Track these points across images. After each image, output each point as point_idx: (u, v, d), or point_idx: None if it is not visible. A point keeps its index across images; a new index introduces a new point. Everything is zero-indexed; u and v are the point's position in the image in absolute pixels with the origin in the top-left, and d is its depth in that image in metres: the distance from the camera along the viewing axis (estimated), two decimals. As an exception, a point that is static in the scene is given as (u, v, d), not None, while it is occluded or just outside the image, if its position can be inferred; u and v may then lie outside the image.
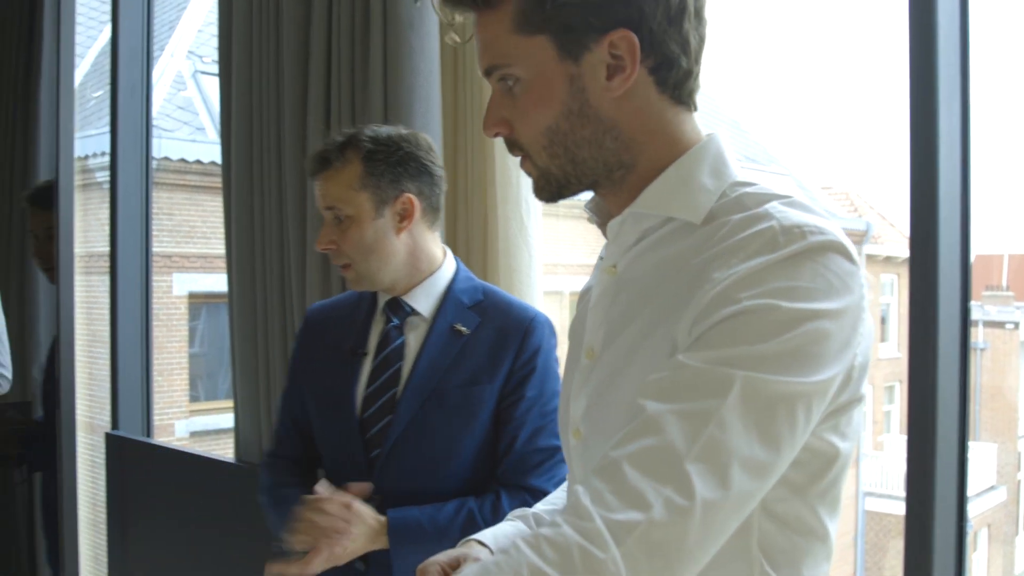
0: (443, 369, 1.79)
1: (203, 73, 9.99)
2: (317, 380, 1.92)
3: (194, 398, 9.60)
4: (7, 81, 4.00)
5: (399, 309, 1.85)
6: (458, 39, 1.27)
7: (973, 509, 11.42)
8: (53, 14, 3.74)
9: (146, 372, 3.41)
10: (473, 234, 2.28)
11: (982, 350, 13.02)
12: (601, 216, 1.20)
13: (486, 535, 1.34)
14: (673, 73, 1.08)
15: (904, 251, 14.20)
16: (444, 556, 1.28)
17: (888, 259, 14.92)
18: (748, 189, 1.08)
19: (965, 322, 1.94)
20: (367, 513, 1.69)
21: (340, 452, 1.85)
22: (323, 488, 1.70)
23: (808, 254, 0.98)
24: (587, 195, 1.19)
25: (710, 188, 1.09)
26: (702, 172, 1.10)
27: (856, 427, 1.08)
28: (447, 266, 1.87)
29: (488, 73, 1.10)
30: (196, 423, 9.35)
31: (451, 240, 2.31)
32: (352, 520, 1.66)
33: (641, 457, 0.91)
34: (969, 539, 10.94)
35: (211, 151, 8.86)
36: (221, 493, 2.82)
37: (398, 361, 1.82)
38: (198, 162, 9.12)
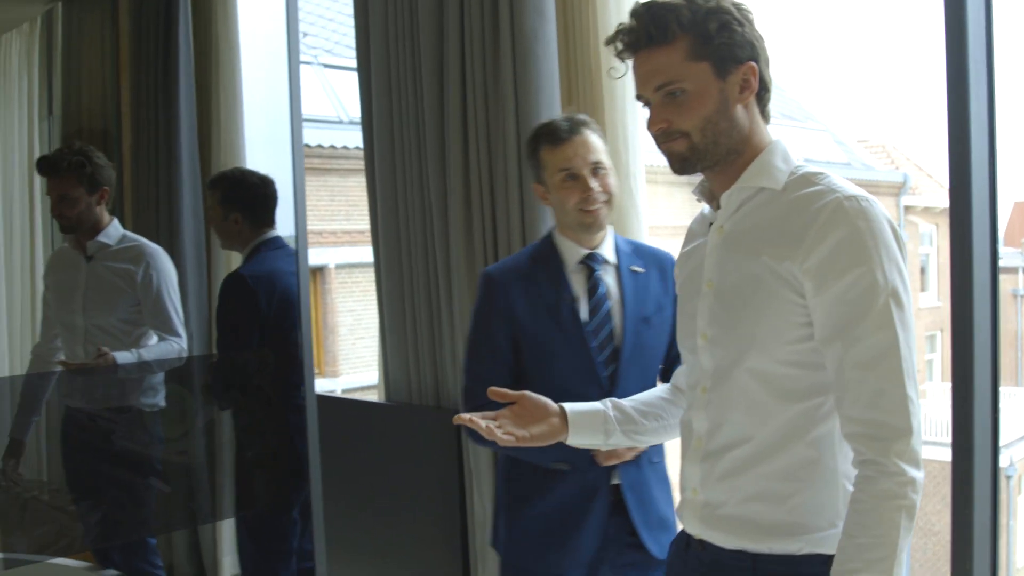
0: (641, 300, 2.37)
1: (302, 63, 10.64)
2: (534, 327, 2.39)
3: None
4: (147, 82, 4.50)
5: (595, 259, 2.39)
6: (620, 73, 1.79)
7: (1017, 453, 11.58)
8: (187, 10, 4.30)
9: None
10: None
11: (1022, 297, 13.09)
12: (704, 196, 1.79)
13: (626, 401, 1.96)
14: (767, 95, 1.72)
15: (942, 201, 14.43)
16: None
17: (926, 209, 15.09)
18: (805, 169, 1.66)
19: (994, 269, 2.25)
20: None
21: (576, 380, 2.32)
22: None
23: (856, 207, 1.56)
24: (695, 178, 1.78)
25: (783, 168, 1.67)
26: (777, 159, 1.68)
27: None
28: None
29: (658, 88, 1.64)
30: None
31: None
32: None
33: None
34: (1014, 483, 11.09)
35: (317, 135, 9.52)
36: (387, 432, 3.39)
37: (607, 300, 2.37)
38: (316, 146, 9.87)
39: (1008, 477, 11.28)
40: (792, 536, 1.62)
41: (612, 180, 2.35)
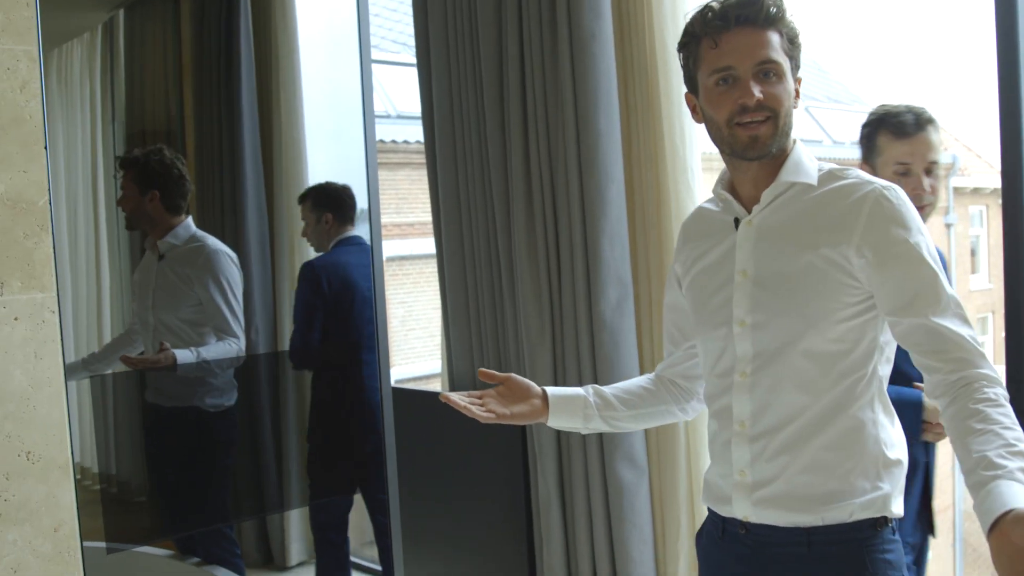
0: None
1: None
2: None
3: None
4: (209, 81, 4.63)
5: None
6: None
7: None
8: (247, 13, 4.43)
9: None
10: (648, 197, 2.90)
11: None
12: (727, 189, 1.87)
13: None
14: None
15: (992, 182, 14.28)
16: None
17: (976, 191, 14.93)
18: (829, 167, 1.80)
19: None
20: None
21: None
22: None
23: (899, 196, 1.71)
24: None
25: (813, 166, 1.79)
26: (806, 157, 1.80)
27: None
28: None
29: (760, 64, 1.72)
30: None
31: (630, 202, 2.94)
32: None
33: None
34: None
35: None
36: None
37: None
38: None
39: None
40: (843, 503, 1.73)
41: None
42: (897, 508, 1.77)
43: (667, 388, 2.06)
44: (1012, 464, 1.44)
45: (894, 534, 1.77)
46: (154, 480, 3.29)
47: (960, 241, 14.35)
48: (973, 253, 14.69)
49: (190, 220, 3.59)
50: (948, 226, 14.23)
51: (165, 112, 4.98)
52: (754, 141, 1.74)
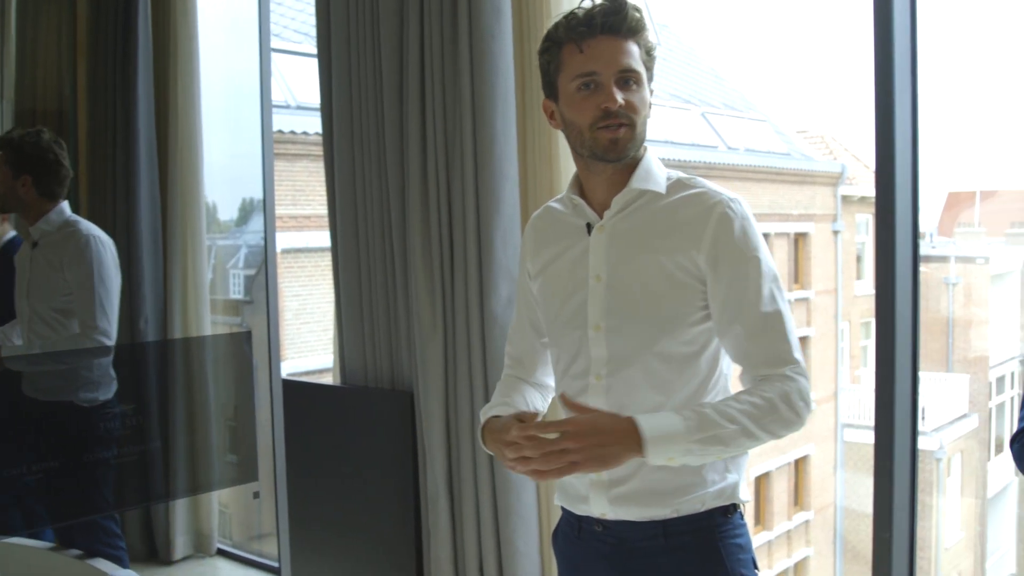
0: None
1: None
2: None
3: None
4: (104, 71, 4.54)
5: None
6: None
7: (946, 437, 11.83)
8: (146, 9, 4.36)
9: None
10: (542, 196, 2.93)
11: (954, 285, 13.37)
12: (577, 193, 1.91)
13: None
14: None
15: (879, 192, 14.67)
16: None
17: (863, 199, 15.34)
18: (677, 175, 1.86)
19: (915, 259, 2.46)
20: None
21: None
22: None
23: (742, 208, 1.80)
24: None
25: (662, 174, 1.85)
26: (656, 166, 1.86)
27: None
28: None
29: (622, 71, 1.77)
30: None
31: (524, 200, 2.97)
32: None
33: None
34: (943, 465, 11.36)
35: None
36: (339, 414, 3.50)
37: None
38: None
39: (938, 460, 11.59)
40: (696, 495, 1.82)
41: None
42: (744, 495, 1.88)
43: (544, 394, 2.09)
44: (703, 408, 1.67)
45: (742, 519, 1.89)
46: (30, 473, 3.18)
47: (847, 248, 14.77)
48: (859, 259, 15.10)
49: (65, 205, 3.42)
50: (835, 233, 14.64)
51: (57, 92, 4.87)
52: (614, 144, 1.78)
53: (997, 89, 15.64)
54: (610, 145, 1.78)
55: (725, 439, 1.66)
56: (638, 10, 1.79)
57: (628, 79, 1.77)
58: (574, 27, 1.79)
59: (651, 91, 1.83)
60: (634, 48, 1.78)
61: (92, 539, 3.36)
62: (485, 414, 1.95)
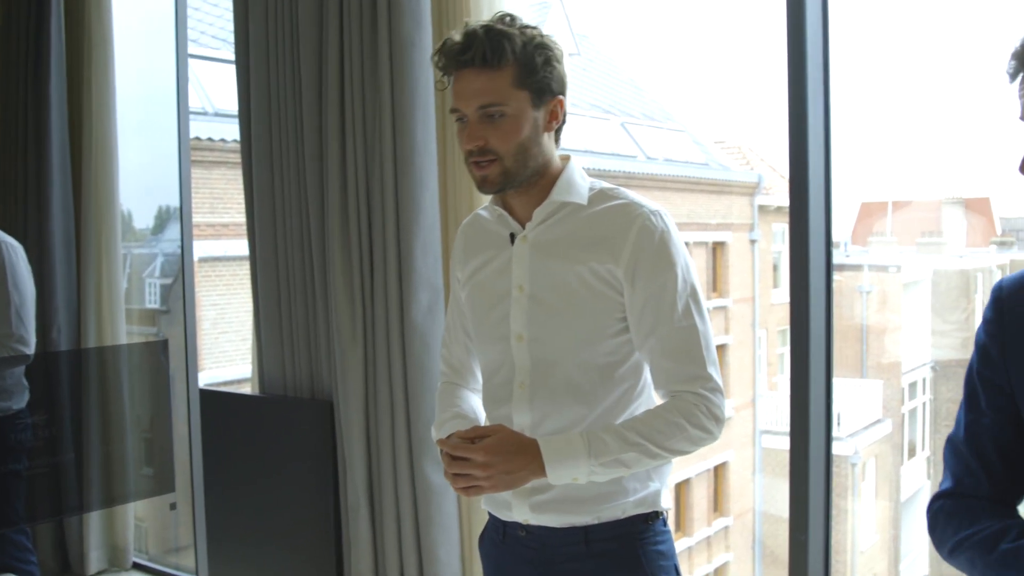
0: None
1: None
2: None
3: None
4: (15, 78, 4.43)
5: None
6: (445, 86, 1.88)
7: (861, 442, 12.03)
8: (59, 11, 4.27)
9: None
10: (461, 205, 2.94)
11: (868, 292, 13.64)
12: (499, 205, 1.91)
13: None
14: (563, 125, 1.89)
15: (794, 202, 14.88)
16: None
17: (779, 209, 15.53)
18: (601, 185, 1.87)
19: (828, 267, 2.54)
20: None
21: None
22: None
23: (664, 221, 1.81)
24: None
25: (584, 185, 1.86)
26: (578, 177, 1.87)
27: None
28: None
29: (481, 107, 1.76)
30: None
31: (444, 210, 2.98)
32: None
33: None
34: (858, 470, 11.57)
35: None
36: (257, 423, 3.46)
37: None
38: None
39: (852, 464, 11.81)
40: (617, 503, 1.84)
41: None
42: (666, 502, 1.90)
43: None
44: (605, 433, 1.73)
45: (665, 526, 1.91)
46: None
47: (763, 257, 14.99)
48: (776, 268, 15.33)
49: None
50: (752, 242, 14.85)
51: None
52: (484, 180, 1.81)
53: (909, 102, 16.05)
54: (481, 181, 1.81)
55: (627, 462, 1.72)
56: (503, 35, 1.74)
57: (492, 114, 1.76)
58: (437, 63, 1.80)
59: (556, 101, 1.81)
60: (502, 76, 1.75)
61: (2, 554, 3.28)
62: (439, 431, 1.95)
